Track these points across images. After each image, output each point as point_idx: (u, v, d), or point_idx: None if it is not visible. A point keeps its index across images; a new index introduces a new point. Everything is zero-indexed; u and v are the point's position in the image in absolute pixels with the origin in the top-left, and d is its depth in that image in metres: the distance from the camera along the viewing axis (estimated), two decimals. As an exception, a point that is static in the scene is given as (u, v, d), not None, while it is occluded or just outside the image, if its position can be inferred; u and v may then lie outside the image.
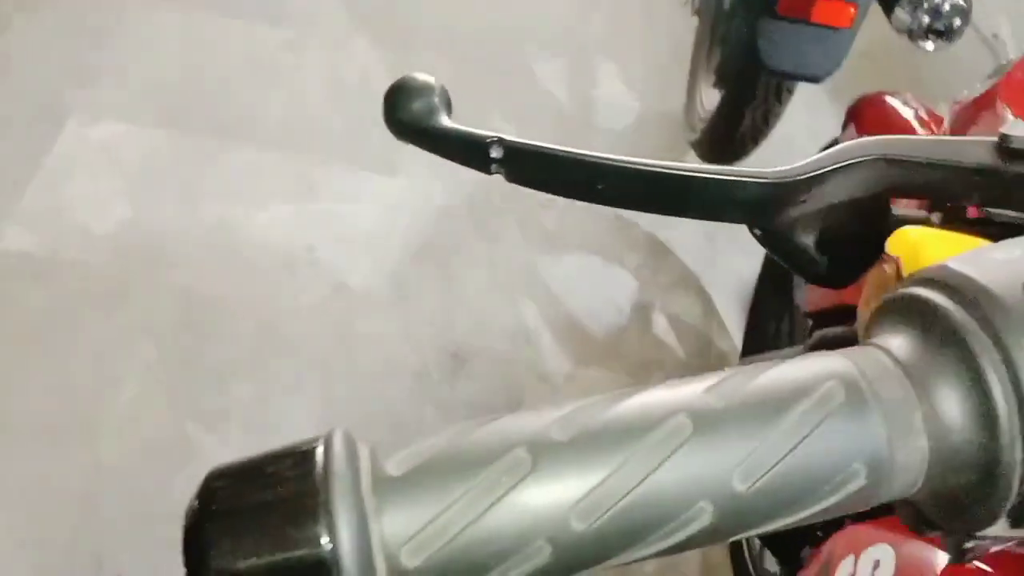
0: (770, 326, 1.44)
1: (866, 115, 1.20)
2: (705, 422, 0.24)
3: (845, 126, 1.25)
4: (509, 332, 1.60)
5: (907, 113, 1.15)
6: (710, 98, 1.70)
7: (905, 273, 0.33)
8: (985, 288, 0.25)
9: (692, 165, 0.35)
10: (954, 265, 0.26)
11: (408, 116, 0.40)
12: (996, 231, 0.37)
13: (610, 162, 0.36)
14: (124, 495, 1.37)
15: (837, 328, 0.91)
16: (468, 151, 0.39)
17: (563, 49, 2.02)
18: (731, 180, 0.35)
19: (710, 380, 0.25)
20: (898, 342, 0.26)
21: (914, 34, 1.44)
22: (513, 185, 1.65)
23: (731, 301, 1.64)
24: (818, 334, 0.93)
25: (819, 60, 1.26)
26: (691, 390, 0.25)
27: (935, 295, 0.26)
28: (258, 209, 1.69)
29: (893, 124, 1.14)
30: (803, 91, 1.54)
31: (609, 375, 1.56)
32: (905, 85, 1.98)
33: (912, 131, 1.09)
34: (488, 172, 0.38)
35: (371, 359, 1.54)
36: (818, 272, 0.49)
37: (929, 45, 1.44)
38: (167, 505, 1.36)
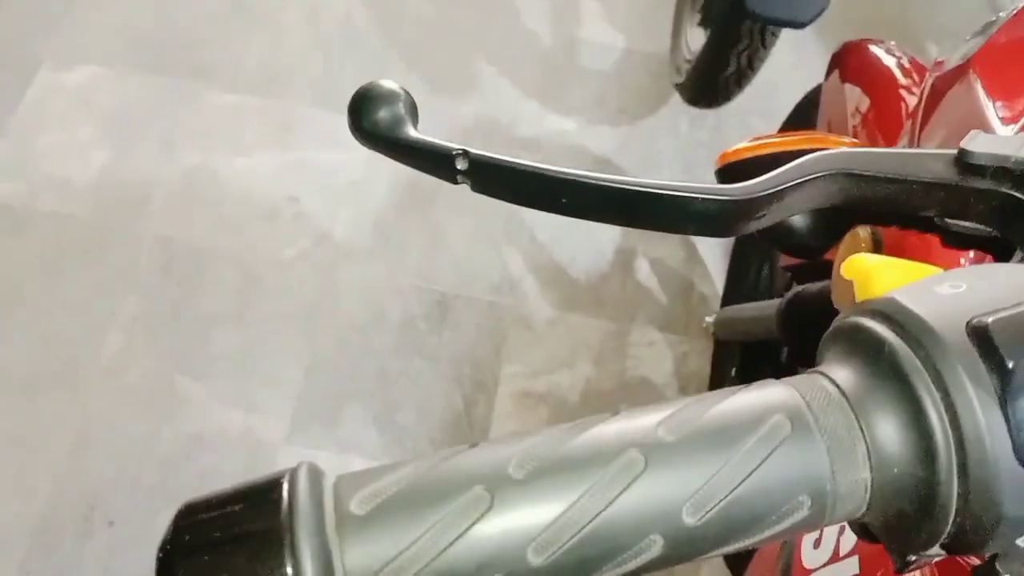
0: (751, 272, 1.45)
1: (849, 63, 1.19)
2: (657, 457, 0.25)
3: (829, 73, 1.23)
4: (493, 280, 1.60)
5: (890, 62, 1.14)
6: (695, 40, 1.67)
7: (858, 299, 0.33)
8: (928, 326, 0.26)
9: (652, 182, 0.35)
10: (901, 299, 0.27)
11: (373, 126, 0.40)
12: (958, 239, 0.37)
13: (573, 178, 0.36)
14: (112, 446, 1.39)
15: (813, 285, 0.92)
16: (434, 162, 0.39)
17: (547, -13, 1.98)
18: (689, 197, 0.35)
19: (663, 413, 0.26)
20: (844, 372, 0.27)
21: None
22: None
23: (713, 247, 1.65)
24: (795, 290, 0.94)
25: (803, 5, 1.24)
26: (644, 424, 0.26)
27: (881, 328, 0.27)
28: (239, 157, 1.68)
29: (876, 73, 1.13)
30: (789, 31, 1.52)
31: (591, 320, 1.58)
32: (892, 23, 1.96)
33: (895, 81, 1.08)
34: (454, 182, 0.38)
35: (356, 309, 1.55)
36: (790, 248, 0.50)
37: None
38: (155, 454, 1.38)
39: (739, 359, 1.37)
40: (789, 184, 0.36)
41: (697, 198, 0.35)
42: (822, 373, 0.28)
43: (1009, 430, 0.25)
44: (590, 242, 1.65)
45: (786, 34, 1.53)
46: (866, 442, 0.26)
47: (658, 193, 0.35)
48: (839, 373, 0.27)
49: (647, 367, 1.57)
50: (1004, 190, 0.36)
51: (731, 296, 1.48)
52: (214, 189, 1.64)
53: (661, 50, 1.83)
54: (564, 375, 1.53)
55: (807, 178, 0.36)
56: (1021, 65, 0.66)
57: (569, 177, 0.36)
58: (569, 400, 1.51)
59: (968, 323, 0.26)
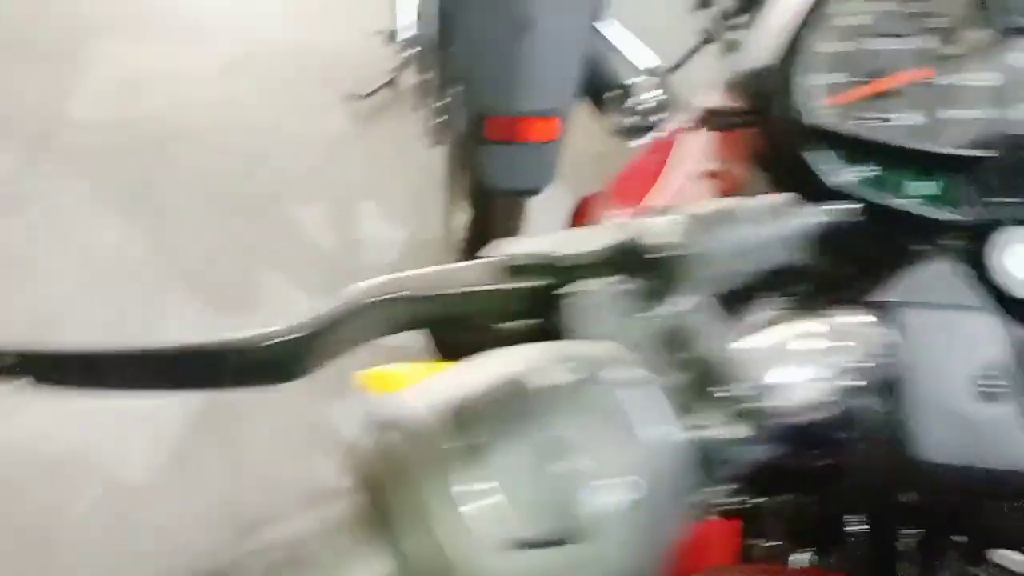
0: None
1: (584, 216, 1.27)
2: None
3: (571, 226, 1.32)
4: (302, 492, 1.54)
5: (619, 210, 1.23)
6: (464, 218, 1.76)
7: None
8: (399, 425, 0.27)
9: (195, 339, 0.34)
10: (389, 404, 0.28)
11: None
12: None
13: (116, 351, 0.35)
14: None
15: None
16: None
17: (323, 195, 2.05)
18: (242, 346, 0.34)
19: None
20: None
21: (623, 133, 1.56)
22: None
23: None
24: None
25: (533, 174, 1.33)
26: None
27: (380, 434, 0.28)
28: (14, 416, 1.58)
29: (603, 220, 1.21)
30: (550, 198, 1.61)
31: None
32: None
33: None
34: (17, 381, 0.36)
35: (158, 552, 1.44)
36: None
37: (638, 141, 1.56)
38: None
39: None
40: (336, 318, 0.36)
41: (250, 346, 0.35)
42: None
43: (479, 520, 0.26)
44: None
45: (546, 203, 1.63)
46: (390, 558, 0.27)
47: (203, 349, 0.34)
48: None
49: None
50: (542, 283, 0.38)
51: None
52: (-11, 455, 1.53)
53: (439, 234, 1.91)
54: None
55: (353, 309, 0.37)
56: (632, 182, 0.76)
57: (110, 352, 0.35)
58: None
59: (445, 411, 0.27)
